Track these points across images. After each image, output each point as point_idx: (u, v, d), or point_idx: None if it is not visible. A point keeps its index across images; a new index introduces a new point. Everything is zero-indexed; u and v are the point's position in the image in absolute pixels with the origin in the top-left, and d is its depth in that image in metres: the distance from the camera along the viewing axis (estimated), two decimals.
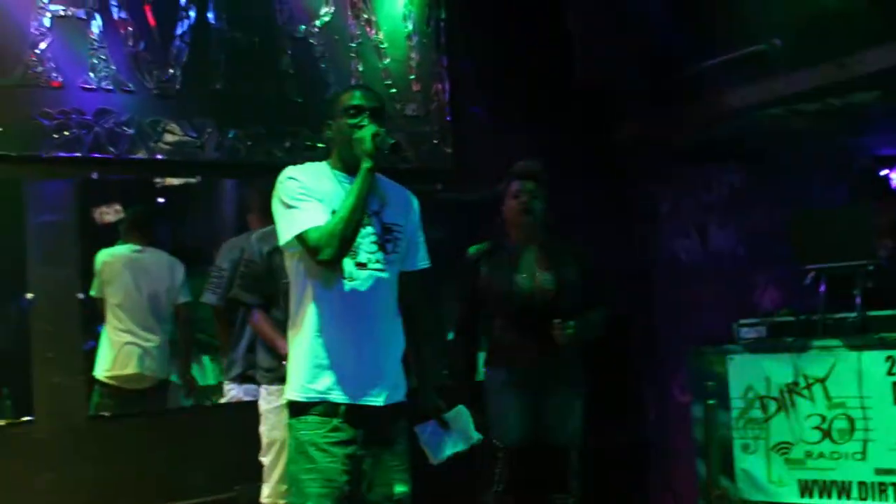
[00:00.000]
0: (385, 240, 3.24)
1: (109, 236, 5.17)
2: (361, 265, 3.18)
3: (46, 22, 4.66)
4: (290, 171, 3.25)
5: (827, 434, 4.76)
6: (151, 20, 4.95)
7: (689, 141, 6.03)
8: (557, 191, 5.73)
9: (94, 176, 4.77)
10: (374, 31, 5.60)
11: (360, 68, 5.53)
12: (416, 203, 3.42)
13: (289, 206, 3.16)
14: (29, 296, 4.56)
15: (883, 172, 5.79)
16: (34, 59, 4.61)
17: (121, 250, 5.18)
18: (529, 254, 4.52)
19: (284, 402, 3.26)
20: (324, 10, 5.46)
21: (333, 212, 3.13)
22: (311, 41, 5.40)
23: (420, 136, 5.69)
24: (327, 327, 3.16)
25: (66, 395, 4.55)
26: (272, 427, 4.28)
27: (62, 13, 4.71)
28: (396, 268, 3.27)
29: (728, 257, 5.95)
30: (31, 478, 4.41)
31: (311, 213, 3.14)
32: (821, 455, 4.77)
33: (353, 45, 5.53)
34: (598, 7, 5.98)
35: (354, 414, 3.15)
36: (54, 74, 4.65)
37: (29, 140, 4.57)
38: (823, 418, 4.78)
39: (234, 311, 4.83)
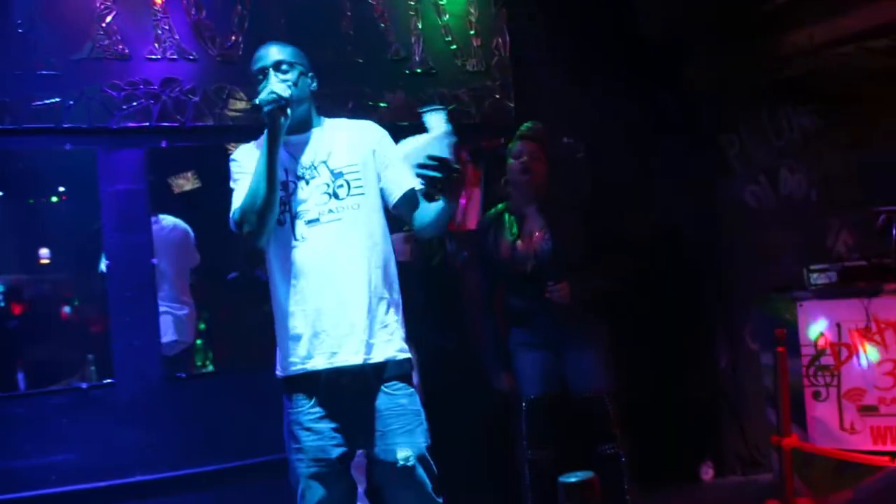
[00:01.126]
0: (337, 186, 3.16)
1: (180, 203, 5.34)
2: (313, 222, 3.14)
3: None
4: (235, 151, 3.34)
5: None
6: None
7: (757, 84, 5.92)
8: (621, 141, 5.75)
9: (164, 144, 4.90)
10: None
11: (420, 26, 5.55)
12: (376, 133, 3.31)
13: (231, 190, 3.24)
14: (105, 263, 4.74)
15: None
16: (101, 32, 4.75)
17: None
18: (531, 217, 4.68)
19: None
20: None
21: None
22: (370, 1, 5.44)
23: (482, 91, 5.69)
24: (294, 296, 3.12)
25: (143, 357, 4.72)
26: None
27: None
28: (364, 210, 3.18)
29: (799, 202, 5.84)
30: (113, 437, 4.60)
31: (239, 192, 3.17)
32: (894, 401, 4.70)
33: (413, 3, 5.55)
34: None
35: (336, 379, 3.10)
36: (120, 47, 4.78)
37: (99, 112, 4.72)
38: None
39: None
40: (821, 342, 4.92)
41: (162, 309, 4.99)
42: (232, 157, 3.30)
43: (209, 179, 5.46)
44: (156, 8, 4.88)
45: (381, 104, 5.38)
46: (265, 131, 3.09)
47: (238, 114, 5.03)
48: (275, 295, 3.21)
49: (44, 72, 4.61)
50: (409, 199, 3.21)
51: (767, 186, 6.03)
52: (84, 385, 4.69)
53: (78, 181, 4.92)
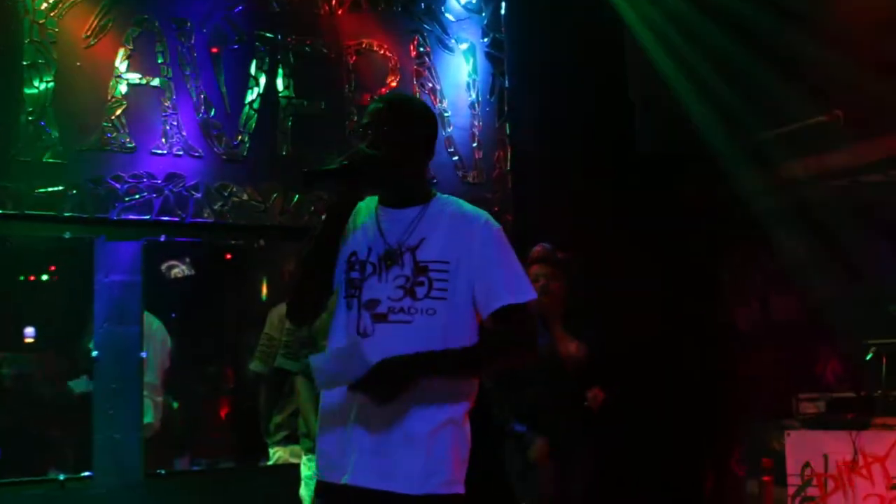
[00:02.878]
0: (416, 282, 2.64)
1: (173, 296, 5.35)
2: (379, 317, 2.63)
3: (123, 89, 4.88)
4: None
5: None
6: (223, 88, 5.15)
7: (750, 210, 6.01)
8: (615, 257, 5.80)
9: (162, 238, 4.93)
10: (438, 100, 5.73)
11: None
12: (484, 231, 2.68)
13: None
14: (94, 353, 4.72)
15: None
16: (109, 124, 4.82)
17: None
18: (555, 329, 4.71)
19: None
20: (390, 78, 5.61)
21: (353, 254, 2.69)
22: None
23: (481, 203, 5.56)
24: (340, 392, 2.63)
25: (124, 451, 4.67)
26: (312, 492, 4.35)
27: (138, 81, 4.93)
28: (440, 316, 2.62)
29: (790, 328, 5.87)
30: None
31: None
32: None
33: None
34: (659, 76, 6.02)
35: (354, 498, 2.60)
36: (127, 140, 4.85)
37: (101, 202, 4.77)
38: (882, 499, 4.66)
39: (284, 376, 4.92)
40: (807, 473, 4.89)
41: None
42: None
43: (200, 273, 5.49)
44: (166, 105, 4.97)
45: None
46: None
47: (237, 211, 5.08)
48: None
49: (50, 160, 4.67)
50: (492, 322, 2.68)
51: (759, 310, 6.07)
52: (61, 476, 4.63)
53: (73, 270, 4.94)
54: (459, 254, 2.65)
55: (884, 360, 4.82)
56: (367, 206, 2.76)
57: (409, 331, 2.61)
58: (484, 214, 2.73)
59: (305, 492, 4.35)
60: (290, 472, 4.50)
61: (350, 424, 2.60)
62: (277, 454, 4.91)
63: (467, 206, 2.75)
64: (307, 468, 4.34)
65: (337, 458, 2.63)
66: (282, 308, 5.06)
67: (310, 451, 4.24)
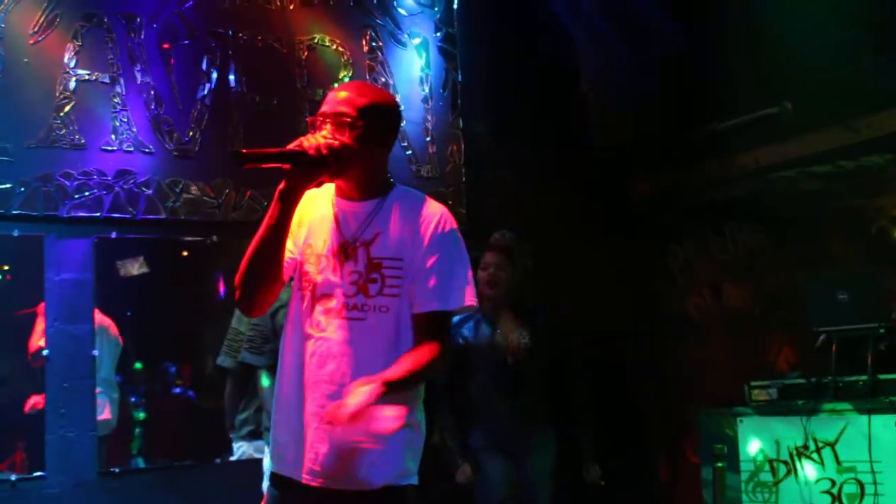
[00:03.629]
0: (369, 279, 2.61)
1: (126, 294, 5.30)
2: (332, 311, 2.60)
3: (72, 85, 4.83)
4: None
5: (837, 499, 4.70)
6: (174, 84, 5.11)
7: (702, 200, 6.08)
8: (569, 248, 5.84)
9: (113, 235, 4.89)
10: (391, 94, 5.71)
11: None
12: (435, 231, 2.64)
13: None
14: (45, 352, 4.68)
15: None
16: (58, 121, 4.77)
17: None
18: (506, 317, 4.76)
19: None
20: (342, 73, 5.60)
21: (308, 246, 2.65)
22: None
23: (435, 197, 5.69)
24: (295, 386, 2.62)
25: (77, 450, 4.63)
26: None
27: (87, 77, 4.88)
28: (393, 313, 2.60)
29: (742, 317, 5.94)
30: None
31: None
32: None
33: None
34: (611, 70, 6.07)
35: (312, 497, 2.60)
36: (77, 136, 4.81)
37: (50, 200, 4.72)
38: (833, 483, 4.73)
39: (249, 371, 4.90)
40: (760, 458, 4.96)
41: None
42: None
43: (155, 270, 5.44)
44: (116, 101, 4.92)
45: None
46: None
47: (189, 207, 5.05)
48: (279, 380, 2.71)
49: None
50: (416, 323, 2.66)
51: (711, 300, 6.14)
52: (13, 477, 4.57)
53: (23, 268, 4.88)
54: (413, 252, 2.62)
55: (833, 347, 4.88)
56: (325, 196, 2.71)
57: (362, 328, 2.59)
58: (440, 212, 2.69)
59: (266, 485, 4.35)
60: (253, 467, 4.48)
61: (307, 422, 2.59)
62: (242, 449, 4.87)
63: (425, 202, 2.71)
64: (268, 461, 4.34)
65: (294, 454, 2.61)
66: None
67: None
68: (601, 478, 4.75)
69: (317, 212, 2.69)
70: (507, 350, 4.68)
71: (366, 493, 2.58)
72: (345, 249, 2.62)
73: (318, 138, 2.57)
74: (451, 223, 2.69)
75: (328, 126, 2.62)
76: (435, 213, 2.68)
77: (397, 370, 2.53)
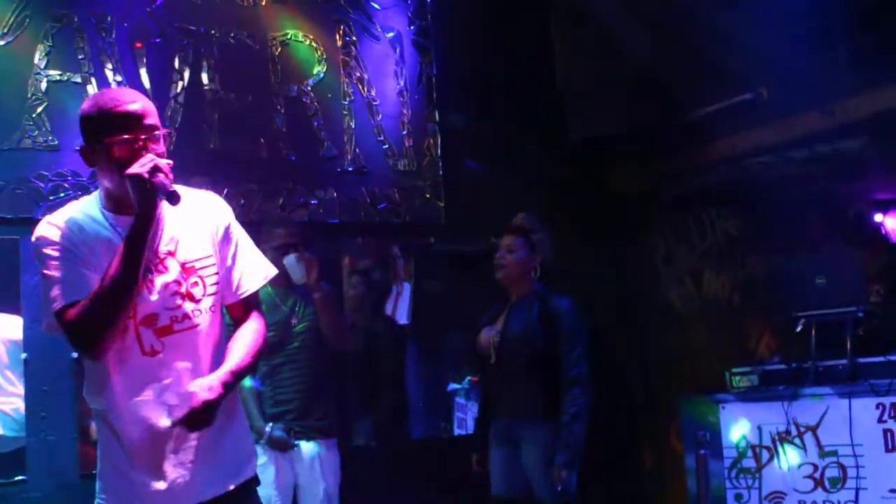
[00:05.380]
0: (191, 284, 2.56)
1: None
2: (163, 330, 2.52)
3: (43, 86, 4.80)
4: (42, 225, 2.52)
5: (819, 483, 4.74)
6: (146, 82, 5.08)
7: (681, 189, 6.09)
8: (551, 243, 5.82)
9: None
10: (366, 89, 5.71)
11: (353, 125, 5.63)
12: (226, 209, 2.71)
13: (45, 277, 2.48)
14: (23, 356, 4.64)
15: (873, 218, 5.81)
16: (31, 122, 4.74)
17: None
18: (504, 308, 4.63)
19: None
20: (316, 69, 5.58)
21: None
22: (303, 100, 5.52)
23: (412, 191, 5.76)
24: (126, 414, 2.51)
25: (58, 453, 4.60)
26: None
27: (58, 78, 4.85)
28: (217, 309, 2.63)
29: (723, 304, 5.96)
30: None
31: (70, 281, 2.44)
32: None
33: (346, 102, 5.64)
34: (585, 62, 6.06)
35: None
36: (50, 138, 4.77)
37: (25, 202, 4.68)
38: (815, 467, 4.76)
39: None
40: (742, 444, 4.98)
41: None
42: (42, 235, 2.49)
43: None
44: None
45: (312, 201, 5.42)
46: (138, 212, 2.44)
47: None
48: (105, 418, 2.56)
49: None
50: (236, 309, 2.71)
51: (692, 288, 6.15)
52: None
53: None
54: (210, 243, 2.61)
55: (813, 332, 4.90)
56: (87, 218, 2.53)
57: (198, 335, 2.56)
58: (219, 199, 2.72)
59: None
60: None
61: (167, 450, 2.54)
62: None
63: (196, 192, 2.68)
64: None
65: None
66: None
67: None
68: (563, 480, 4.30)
69: (90, 236, 2.51)
70: (489, 347, 4.57)
71: (230, 494, 2.64)
72: (148, 266, 2.50)
73: (161, 162, 2.44)
74: (225, 203, 2.74)
75: (155, 143, 2.50)
76: (213, 200, 2.70)
77: (237, 358, 2.56)
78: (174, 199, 2.42)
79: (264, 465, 4.36)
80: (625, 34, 5.80)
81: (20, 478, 4.55)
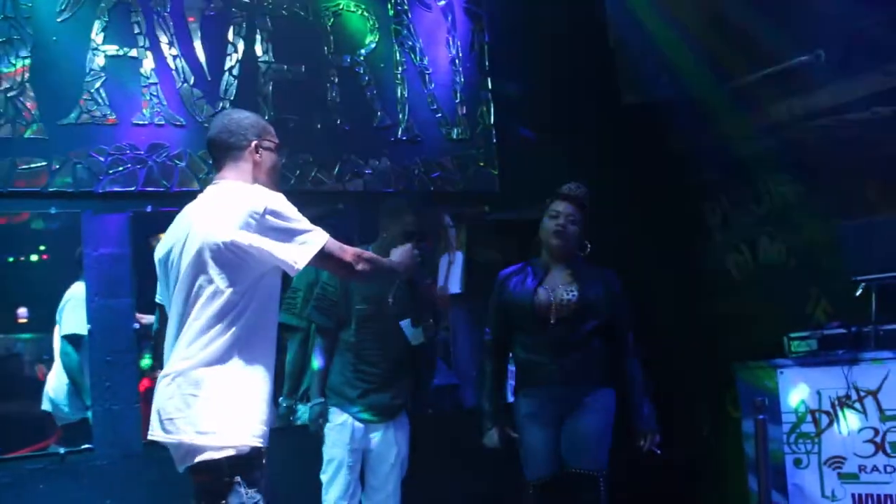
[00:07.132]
0: None
1: None
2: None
3: (101, 62, 4.86)
4: (264, 189, 3.15)
5: (880, 447, 4.69)
6: (201, 56, 5.13)
7: (737, 153, 6.01)
8: (604, 208, 5.79)
9: (149, 209, 4.92)
10: (418, 58, 5.71)
11: (406, 94, 5.64)
12: None
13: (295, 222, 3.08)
14: (87, 327, 4.73)
15: None
16: (89, 98, 4.81)
17: None
18: (557, 272, 4.51)
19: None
20: (368, 39, 5.60)
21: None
22: (357, 70, 5.54)
23: (466, 160, 5.77)
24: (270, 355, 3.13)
25: (122, 422, 4.70)
26: (332, 444, 4.56)
27: (116, 53, 4.91)
28: None
29: (779, 270, 5.89)
30: None
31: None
32: (874, 468, 4.70)
33: (398, 71, 5.64)
34: (639, 24, 5.99)
35: None
36: (108, 112, 4.84)
37: (85, 176, 4.76)
38: (876, 431, 4.71)
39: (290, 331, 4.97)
40: (801, 409, 4.94)
41: None
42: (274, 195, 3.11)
43: None
44: (144, 75, 4.95)
45: (367, 171, 5.45)
46: None
47: None
48: (251, 353, 3.03)
49: (31, 136, 4.66)
50: None
51: (748, 254, 6.09)
52: (62, 450, 4.66)
53: (61, 244, 4.93)
54: None
55: (873, 296, 4.84)
56: None
57: None
58: None
59: (326, 445, 4.59)
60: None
61: None
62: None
63: None
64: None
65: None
66: None
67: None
68: (658, 446, 4.53)
69: None
70: (551, 309, 4.43)
71: None
72: None
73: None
74: None
75: None
76: None
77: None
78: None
79: (342, 426, 4.51)
80: None
81: (86, 446, 4.67)
